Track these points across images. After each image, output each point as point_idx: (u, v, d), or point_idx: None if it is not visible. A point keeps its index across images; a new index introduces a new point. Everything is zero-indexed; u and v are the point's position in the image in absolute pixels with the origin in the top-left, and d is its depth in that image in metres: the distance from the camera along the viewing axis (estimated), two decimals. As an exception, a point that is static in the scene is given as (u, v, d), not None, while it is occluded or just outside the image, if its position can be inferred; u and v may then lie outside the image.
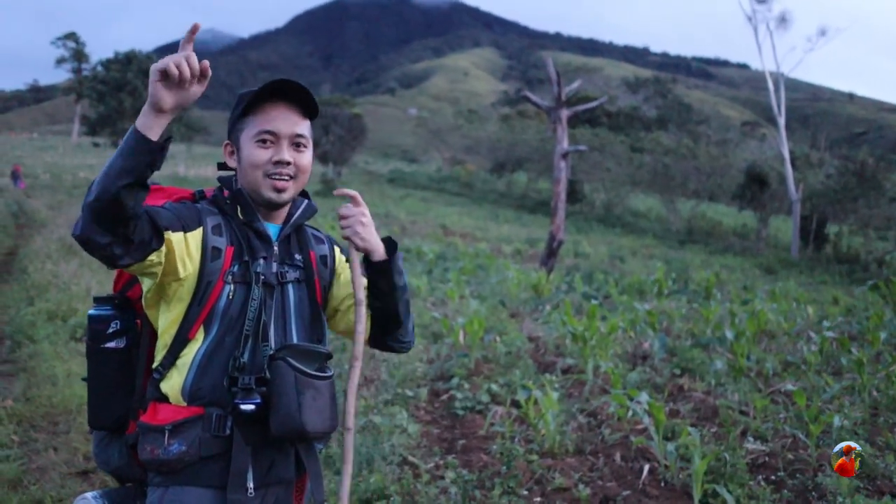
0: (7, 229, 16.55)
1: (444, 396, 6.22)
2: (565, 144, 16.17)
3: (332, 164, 46.86)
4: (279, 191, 2.00)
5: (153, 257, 1.82)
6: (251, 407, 1.87)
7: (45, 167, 37.93)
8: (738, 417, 5.48)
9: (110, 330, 2.06)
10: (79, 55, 75.93)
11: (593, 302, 8.29)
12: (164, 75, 1.63)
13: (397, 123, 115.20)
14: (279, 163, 1.98)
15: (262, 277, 1.99)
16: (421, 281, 11.67)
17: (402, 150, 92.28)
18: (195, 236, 1.92)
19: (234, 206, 2.03)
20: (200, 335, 1.94)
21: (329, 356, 2.02)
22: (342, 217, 2.03)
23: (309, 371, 1.91)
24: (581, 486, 4.38)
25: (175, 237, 1.85)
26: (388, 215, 28.74)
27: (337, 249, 2.25)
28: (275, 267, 2.03)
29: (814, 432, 4.74)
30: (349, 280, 2.15)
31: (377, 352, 7.22)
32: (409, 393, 6.06)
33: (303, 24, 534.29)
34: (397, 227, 24.63)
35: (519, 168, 51.75)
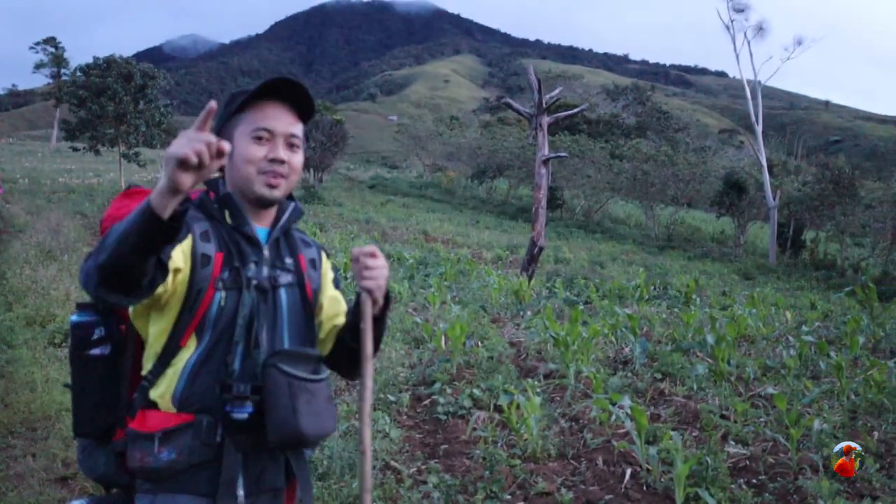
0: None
1: (427, 401, 6.21)
2: (546, 151, 16.22)
3: (313, 171, 46.79)
4: (272, 187, 1.97)
5: (161, 289, 1.80)
6: (244, 416, 1.87)
7: (23, 172, 37.66)
8: (718, 421, 5.51)
9: (95, 336, 2.02)
10: (58, 60, 75.39)
11: (578, 306, 8.30)
12: (184, 163, 1.55)
13: (378, 130, 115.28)
14: (274, 160, 1.97)
15: (254, 282, 1.96)
16: (402, 286, 11.66)
17: (383, 156, 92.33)
18: (184, 246, 1.86)
19: (222, 211, 2.00)
20: (192, 343, 1.91)
21: (321, 358, 2.02)
22: (366, 267, 1.95)
23: (302, 375, 1.90)
24: (563, 491, 4.39)
25: (174, 258, 1.81)
26: (368, 221, 28.69)
27: (324, 254, 2.24)
28: (266, 271, 2.00)
29: (794, 436, 4.77)
30: (336, 297, 2.20)
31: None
32: (391, 398, 6.05)
33: (284, 30, 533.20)
34: (378, 232, 24.59)
35: (500, 175, 51.83)
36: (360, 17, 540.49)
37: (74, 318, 2.05)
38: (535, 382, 6.42)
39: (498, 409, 5.75)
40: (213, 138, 1.56)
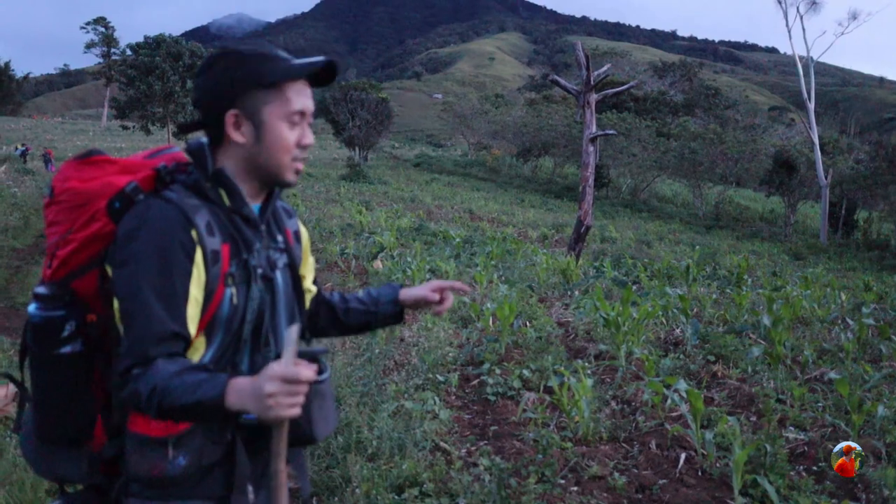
0: (40, 212, 16.67)
1: (475, 382, 6.16)
2: (594, 129, 16.00)
3: (358, 149, 46.88)
4: (298, 174, 1.86)
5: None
6: (254, 419, 1.65)
7: (75, 150, 38.20)
8: (775, 406, 5.37)
9: (65, 333, 1.74)
10: (108, 40, 76.46)
11: (632, 288, 8.17)
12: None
13: (423, 108, 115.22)
14: (306, 146, 1.84)
15: (260, 271, 1.83)
16: (448, 265, 11.60)
17: (428, 134, 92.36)
18: (196, 259, 1.70)
19: (217, 191, 1.79)
20: (201, 344, 1.75)
21: (325, 352, 1.89)
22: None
23: (314, 379, 1.83)
24: (616, 475, 4.31)
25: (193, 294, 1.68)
26: (413, 199, 28.69)
27: (299, 221, 2.12)
28: (264, 255, 1.86)
29: (856, 422, 4.63)
30: (311, 264, 2.16)
31: (407, 335, 7.21)
32: (440, 378, 6.00)
33: (329, 9, 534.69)
34: (423, 211, 24.57)
35: (545, 153, 51.58)
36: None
37: (37, 312, 1.76)
38: (586, 364, 6.33)
39: (548, 390, 5.67)
40: (310, 376, 1.49)
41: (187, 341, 1.65)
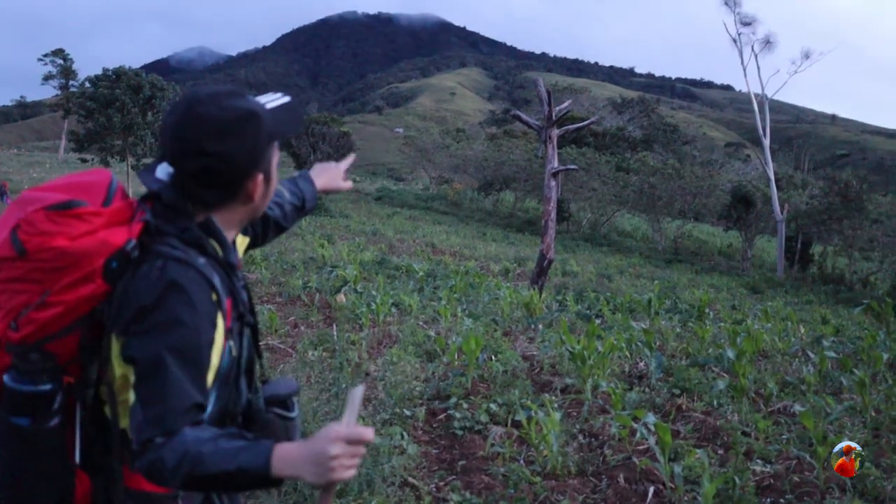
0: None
1: (442, 416, 6.13)
2: (555, 163, 16.16)
3: (319, 182, 46.82)
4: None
5: None
6: None
7: (31, 182, 37.73)
8: (741, 439, 5.41)
9: (55, 406, 1.64)
10: (66, 72, 75.77)
11: (595, 321, 8.22)
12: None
13: (384, 142, 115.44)
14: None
15: (245, 317, 1.81)
16: (412, 299, 11.57)
17: (389, 168, 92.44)
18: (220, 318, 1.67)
19: (212, 244, 1.73)
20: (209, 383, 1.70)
21: (296, 392, 1.94)
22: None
23: (293, 416, 1.85)
24: (586, 509, 4.31)
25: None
26: (375, 233, 28.66)
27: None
28: (242, 297, 1.81)
29: (821, 454, 4.68)
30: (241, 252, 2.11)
31: (372, 369, 7.17)
32: (407, 412, 5.96)
33: (290, 43, 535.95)
34: (385, 244, 24.55)
35: (506, 187, 51.89)
36: (365, 29, 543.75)
37: (26, 387, 1.63)
38: (553, 397, 6.33)
39: (515, 424, 5.66)
40: (368, 436, 1.48)
41: (205, 409, 1.61)
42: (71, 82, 74.77)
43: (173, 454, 1.48)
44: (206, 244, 1.70)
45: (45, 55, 76.79)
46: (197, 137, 1.64)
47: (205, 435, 1.50)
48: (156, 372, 1.53)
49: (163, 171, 1.74)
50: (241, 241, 2.07)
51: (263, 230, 2.21)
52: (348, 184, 2.53)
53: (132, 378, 1.56)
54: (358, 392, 1.53)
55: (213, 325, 1.62)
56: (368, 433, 1.48)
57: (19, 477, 1.68)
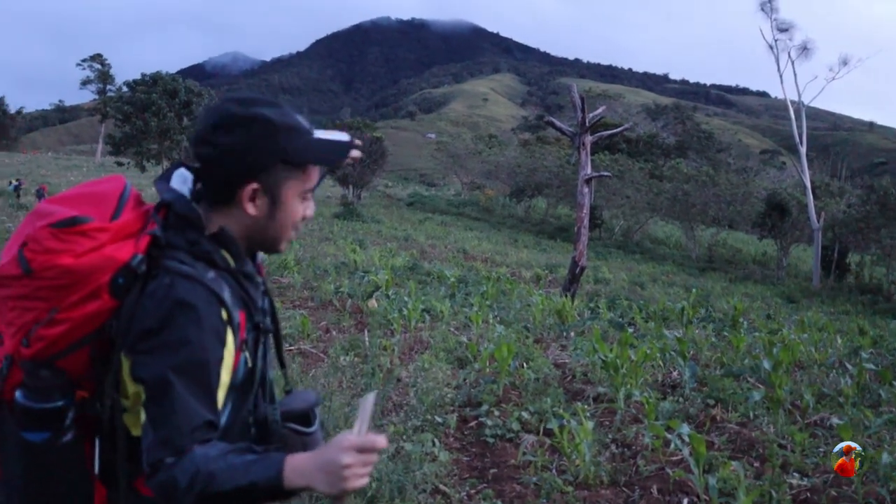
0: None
1: (473, 423, 6.10)
2: (589, 170, 16.09)
3: (352, 187, 46.99)
4: (290, 243, 1.84)
5: None
6: None
7: (69, 185, 38.15)
8: (777, 451, 5.33)
9: (68, 422, 1.62)
10: (104, 76, 76.88)
11: (628, 330, 8.15)
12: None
13: (416, 147, 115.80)
14: (307, 219, 1.81)
15: (262, 326, 1.78)
16: (444, 305, 11.56)
17: (421, 173, 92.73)
18: (228, 344, 1.63)
19: (220, 253, 1.70)
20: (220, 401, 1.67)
21: (318, 405, 1.91)
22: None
23: (311, 431, 1.83)
24: (619, 520, 4.26)
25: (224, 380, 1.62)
26: (407, 239, 28.71)
27: None
28: (259, 305, 1.80)
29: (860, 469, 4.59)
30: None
31: (404, 375, 7.16)
32: (439, 419, 5.94)
33: (324, 49, 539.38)
34: (417, 250, 24.57)
35: (538, 193, 51.81)
36: (399, 35, 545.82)
37: (31, 403, 1.61)
38: (585, 406, 6.28)
39: (547, 432, 5.62)
40: (380, 444, 1.47)
41: (217, 427, 1.58)
42: (108, 87, 75.82)
43: (184, 474, 1.46)
44: (216, 257, 1.67)
45: (84, 60, 77.98)
46: (205, 126, 1.66)
47: (213, 452, 1.49)
48: (163, 392, 1.52)
49: (178, 179, 1.73)
50: None
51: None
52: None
53: (143, 396, 1.55)
54: (369, 399, 1.51)
55: (222, 343, 1.60)
56: (380, 441, 1.47)
57: (37, 493, 1.67)
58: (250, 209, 1.69)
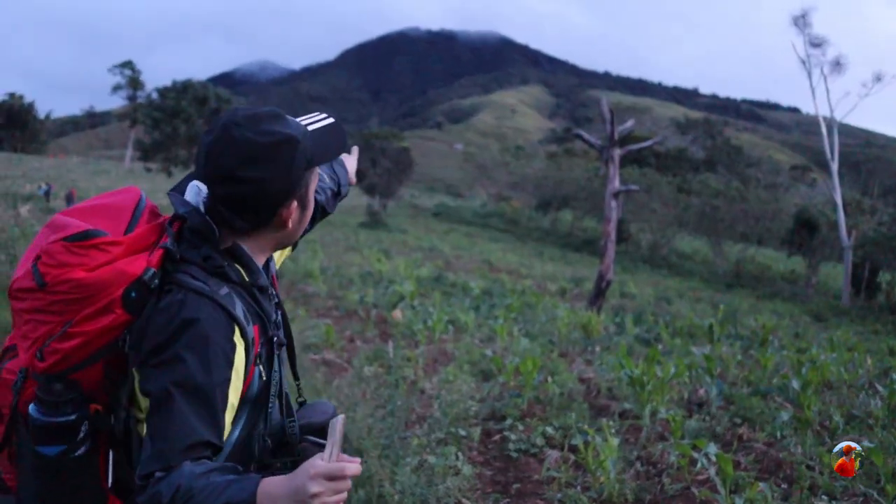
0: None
1: (497, 437, 6.07)
2: (617, 184, 16.02)
3: (378, 197, 47.11)
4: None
5: None
6: None
7: (97, 190, 38.58)
8: (805, 472, 5.25)
9: (81, 435, 1.61)
10: (134, 83, 77.61)
11: (655, 346, 8.08)
12: None
13: (443, 158, 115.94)
14: None
15: (276, 339, 1.77)
16: (468, 316, 11.54)
17: (448, 184, 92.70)
18: (237, 364, 1.62)
19: (236, 269, 1.70)
20: (228, 425, 1.64)
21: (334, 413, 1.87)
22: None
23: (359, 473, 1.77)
24: (643, 539, 4.20)
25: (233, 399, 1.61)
26: (432, 249, 28.72)
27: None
28: (273, 319, 1.79)
29: (890, 492, 4.51)
30: (280, 255, 2.14)
31: (427, 387, 7.13)
32: (462, 432, 5.91)
33: (353, 58, 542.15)
34: (442, 260, 24.57)
35: (565, 206, 51.70)
36: (427, 46, 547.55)
37: (44, 417, 1.60)
38: (610, 422, 6.22)
39: (571, 448, 5.57)
40: (356, 471, 1.42)
41: (218, 449, 1.56)
42: (138, 93, 76.59)
43: (169, 488, 1.44)
44: (230, 272, 1.67)
45: (115, 66, 78.77)
46: (230, 163, 1.61)
47: (199, 469, 1.46)
48: (165, 406, 1.51)
49: (192, 191, 1.72)
50: (278, 253, 2.06)
51: (311, 221, 2.20)
52: (354, 178, 2.58)
53: (147, 411, 1.55)
54: (339, 422, 1.46)
55: (229, 364, 1.58)
56: (352, 468, 1.41)
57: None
58: (291, 224, 1.72)
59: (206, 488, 1.42)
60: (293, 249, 2.21)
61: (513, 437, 5.90)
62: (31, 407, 1.60)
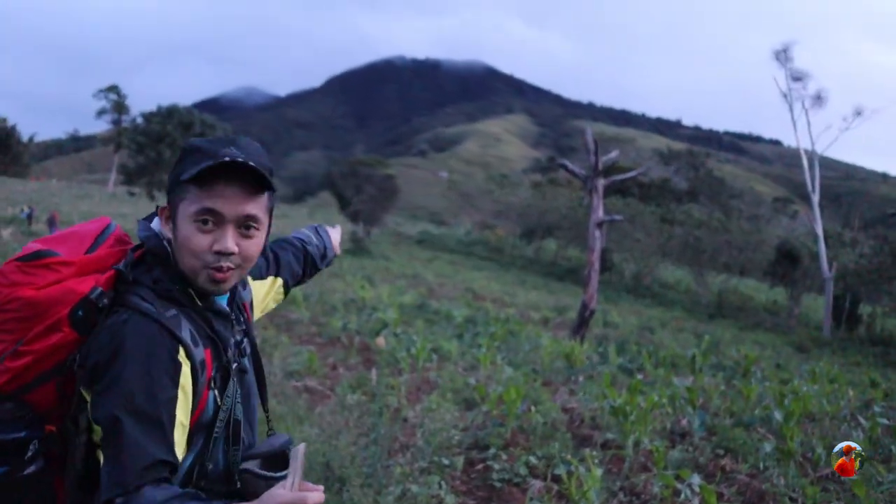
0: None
1: (480, 466, 6.03)
2: (601, 213, 16.09)
3: (362, 224, 47.09)
4: (218, 282, 1.67)
5: None
6: None
7: (80, 215, 38.38)
8: (787, 504, 5.25)
9: (29, 454, 1.60)
10: (119, 107, 77.51)
11: (636, 376, 8.09)
12: None
13: (427, 186, 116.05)
14: (220, 253, 1.65)
15: (234, 365, 1.75)
16: (451, 345, 11.51)
17: (431, 212, 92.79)
18: (184, 384, 1.59)
19: (188, 293, 1.70)
20: (180, 450, 1.61)
21: (290, 444, 1.81)
22: None
23: (278, 476, 1.70)
24: (627, 571, 4.18)
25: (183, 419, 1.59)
26: (416, 276, 28.69)
27: (249, 279, 2.03)
28: (232, 343, 1.77)
29: (873, 525, 4.51)
30: (265, 297, 2.17)
31: (410, 416, 7.09)
32: (445, 461, 5.87)
33: (339, 85, 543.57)
34: (425, 288, 24.55)
35: (549, 235, 51.84)
36: (413, 74, 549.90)
37: None
38: (593, 452, 6.21)
39: (555, 478, 5.55)
40: (319, 500, 1.41)
41: (175, 466, 1.54)
42: (123, 117, 76.46)
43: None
44: (179, 295, 1.67)
45: (101, 90, 78.63)
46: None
47: (160, 496, 1.44)
48: (114, 432, 1.49)
49: (160, 220, 1.75)
50: (259, 286, 2.11)
51: (304, 264, 2.35)
52: (339, 250, 2.69)
53: (100, 435, 1.53)
54: (300, 451, 1.45)
55: (175, 383, 1.56)
56: (314, 496, 1.40)
57: None
58: (166, 231, 1.76)
59: None
60: (286, 295, 2.28)
61: (496, 466, 5.87)
62: None
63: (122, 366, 1.52)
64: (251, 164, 1.62)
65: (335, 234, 2.65)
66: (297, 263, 2.30)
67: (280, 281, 2.22)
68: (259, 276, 2.14)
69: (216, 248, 1.64)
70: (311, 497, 1.39)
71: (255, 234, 1.71)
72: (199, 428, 1.66)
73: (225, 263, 1.66)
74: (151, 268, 1.69)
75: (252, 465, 1.72)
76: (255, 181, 1.66)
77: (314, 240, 2.45)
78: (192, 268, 1.66)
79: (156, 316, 1.59)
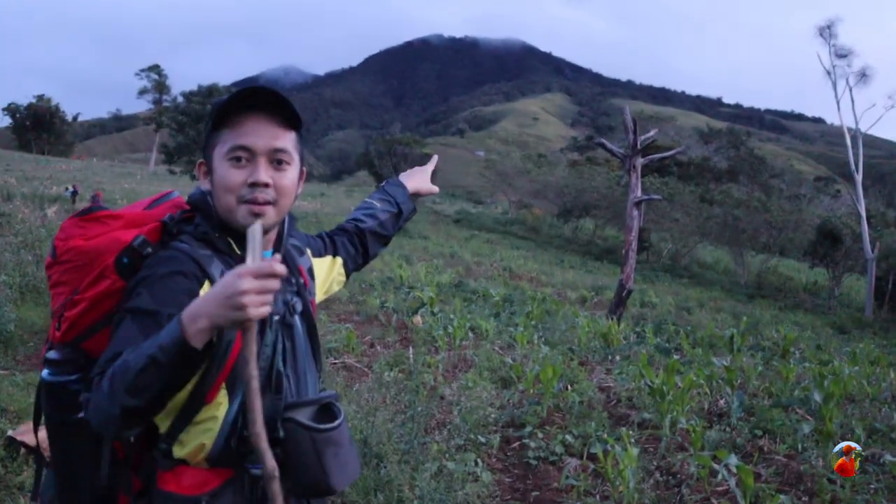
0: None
1: (516, 444, 6.07)
2: (639, 192, 15.96)
3: (399, 203, 47.19)
4: (257, 216, 1.72)
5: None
6: (259, 468, 1.56)
7: (122, 193, 38.87)
8: (826, 486, 5.21)
9: (82, 398, 1.62)
10: (160, 87, 78.23)
11: (675, 357, 8.06)
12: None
13: (465, 165, 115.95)
14: (255, 185, 1.72)
15: (276, 317, 1.78)
16: (488, 324, 11.54)
17: (469, 191, 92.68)
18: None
19: (226, 240, 1.78)
20: (223, 398, 1.70)
21: (338, 398, 1.85)
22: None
23: (324, 427, 1.73)
24: (662, 550, 4.19)
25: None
26: (453, 255, 28.71)
27: (309, 251, 2.12)
28: (280, 300, 1.82)
29: (913, 507, 4.47)
30: (327, 277, 2.23)
31: (447, 393, 7.14)
32: (482, 439, 5.92)
33: (376, 64, 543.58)
34: (462, 267, 24.56)
35: (586, 214, 51.53)
36: (451, 53, 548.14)
37: (51, 377, 1.72)
38: (630, 432, 6.21)
39: (591, 457, 5.57)
40: (279, 270, 1.41)
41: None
42: (164, 97, 77.14)
43: (106, 379, 1.49)
44: (217, 240, 1.77)
45: (142, 70, 79.41)
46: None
47: (126, 353, 1.50)
48: (117, 325, 1.61)
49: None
50: (320, 264, 2.18)
51: (362, 245, 2.37)
52: (435, 187, 2.66)
53: None
54: (256, 228, 1.46)
55: (201, 282, 1.68)
56: (277, 266, 1.40)
57: (64, 469, 1.78)
58: (206, 185, 1.86)
59: (137, 353, 1.47)
60: (347, 277, 2.35)
61: (532, 444, 5.91)
62: (44, 372, 1.74)
63: (142, 283, 1.64)
64: (275, 92, 1.76)
65: (416, 177, 2.62)
66: (351, 246, 2.35)
67: (339, 260, 2.29)
68: (318, 253, 2.21)
69: (251, 179, 1.72)
70: (276, 266, 1.41)
71: (287, 168, 1.79)
72: (236, 374, 1.68)
73: (261, 195, 1.73)
74: (193, 219, 1.81)
75: (300, 416, 1.75)
76: (282, 115, 1.78)
77: (377, 205, 2.46)
78: (228, 206, 1.74)
79: (188, 252, 1.70)
